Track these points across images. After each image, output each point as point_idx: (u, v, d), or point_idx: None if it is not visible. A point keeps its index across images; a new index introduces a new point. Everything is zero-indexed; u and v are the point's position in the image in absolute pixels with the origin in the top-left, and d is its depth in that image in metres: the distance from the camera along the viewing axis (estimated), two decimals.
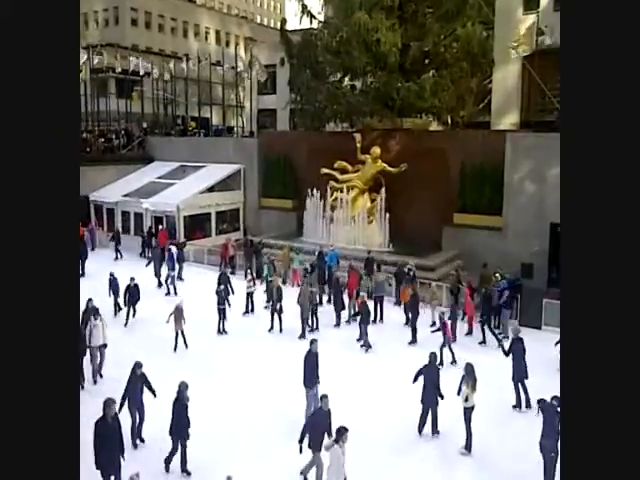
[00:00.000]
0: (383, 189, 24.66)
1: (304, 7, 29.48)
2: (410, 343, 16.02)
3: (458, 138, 25.24)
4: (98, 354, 13.57)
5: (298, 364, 11.79)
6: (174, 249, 21.89)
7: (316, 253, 21.26)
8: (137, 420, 10.80)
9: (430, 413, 11.19)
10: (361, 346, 15.78)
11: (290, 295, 17.48)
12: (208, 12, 66.31)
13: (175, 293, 20.56)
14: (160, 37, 58.56)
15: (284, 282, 21.19)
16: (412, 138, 25.89)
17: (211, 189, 29.44)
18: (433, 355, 11.55)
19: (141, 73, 38.24)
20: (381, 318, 18.07)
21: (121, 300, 17.76)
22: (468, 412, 10.71)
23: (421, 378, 11.28)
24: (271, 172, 30.16)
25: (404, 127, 27.40)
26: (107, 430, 8.79)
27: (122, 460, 8.98)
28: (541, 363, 13.40)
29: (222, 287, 17.51)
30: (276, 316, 17.06)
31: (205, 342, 16.05)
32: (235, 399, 12.64)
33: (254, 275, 20.25)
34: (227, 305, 17.11)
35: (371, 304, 17.73)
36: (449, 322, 15.17)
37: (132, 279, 17.37)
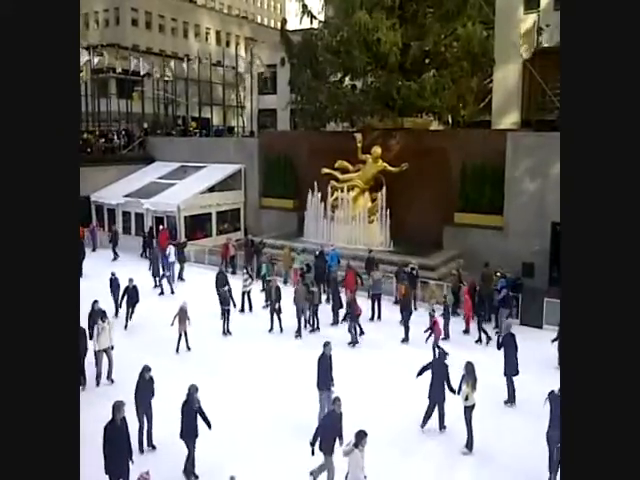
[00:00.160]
0: (384, 189, 24.63)
1: (304, 7, 29.43)
2: (402, 341, 16.06)
3: (459, 137, 25.22)
4: (105, 357, 13.35)
5: (299, 364, 11.79)
6: (171, 249, 21.92)
7: (316, 253, 21.25)
8: (145, 425, 10.56)
9: (437, 409, 11.19)
10: (348, 343, 15.78)
11: (291, 295, 17.44)
12: (208, 12, 66.34)
13: (172, 292, 20.56)
14: (161, 37, 58.59)
15: (285, 282, 21.20)
16: (413, 138, 25.87)
17: (212, 189, 29.46)
18: (442, 351, 11.55)
19: (142, 73, 38.22)
20: (379, 316, 18.08)
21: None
22: (468, 411, 10.72)
23: (427, 374, 11.26)
24: (272, 172, 30.15)
25: (405, 127, 27.39)
26: (116, 433, 8.67)
27: (131, 463, 8.83)
28: (542, 362, 13.41)
29: (227, 288, 17.43)
30: (275, 316, 17.02)
31: (207, 343, 15.96)
32: (240, 400, 12.57)
33: (250, 274, 20.18)
34: (232, 305, 17.08)
35: (369, 302, 17.77)
36: (441, 320, 15.27)
37: (131, 280, 17.05)
